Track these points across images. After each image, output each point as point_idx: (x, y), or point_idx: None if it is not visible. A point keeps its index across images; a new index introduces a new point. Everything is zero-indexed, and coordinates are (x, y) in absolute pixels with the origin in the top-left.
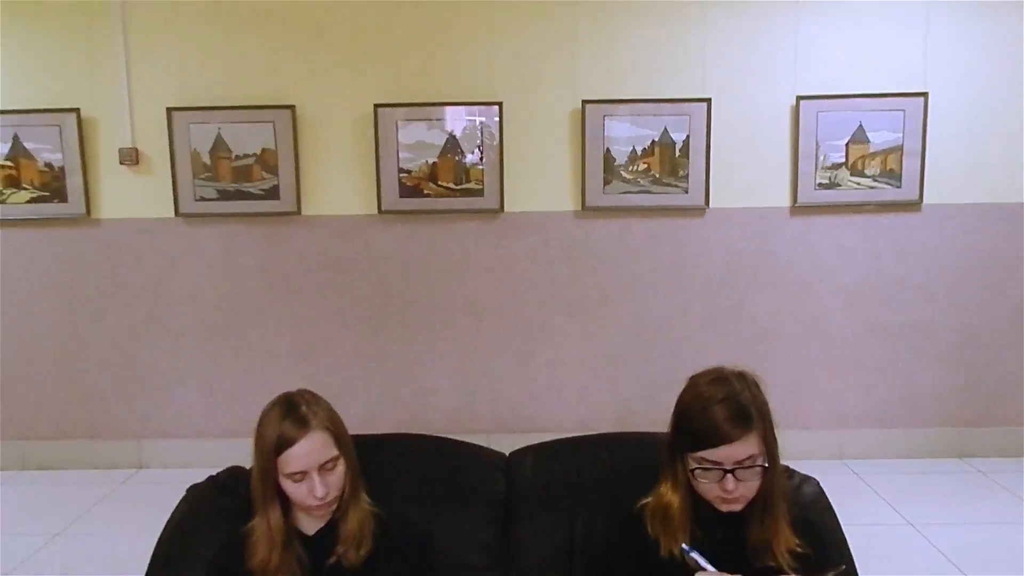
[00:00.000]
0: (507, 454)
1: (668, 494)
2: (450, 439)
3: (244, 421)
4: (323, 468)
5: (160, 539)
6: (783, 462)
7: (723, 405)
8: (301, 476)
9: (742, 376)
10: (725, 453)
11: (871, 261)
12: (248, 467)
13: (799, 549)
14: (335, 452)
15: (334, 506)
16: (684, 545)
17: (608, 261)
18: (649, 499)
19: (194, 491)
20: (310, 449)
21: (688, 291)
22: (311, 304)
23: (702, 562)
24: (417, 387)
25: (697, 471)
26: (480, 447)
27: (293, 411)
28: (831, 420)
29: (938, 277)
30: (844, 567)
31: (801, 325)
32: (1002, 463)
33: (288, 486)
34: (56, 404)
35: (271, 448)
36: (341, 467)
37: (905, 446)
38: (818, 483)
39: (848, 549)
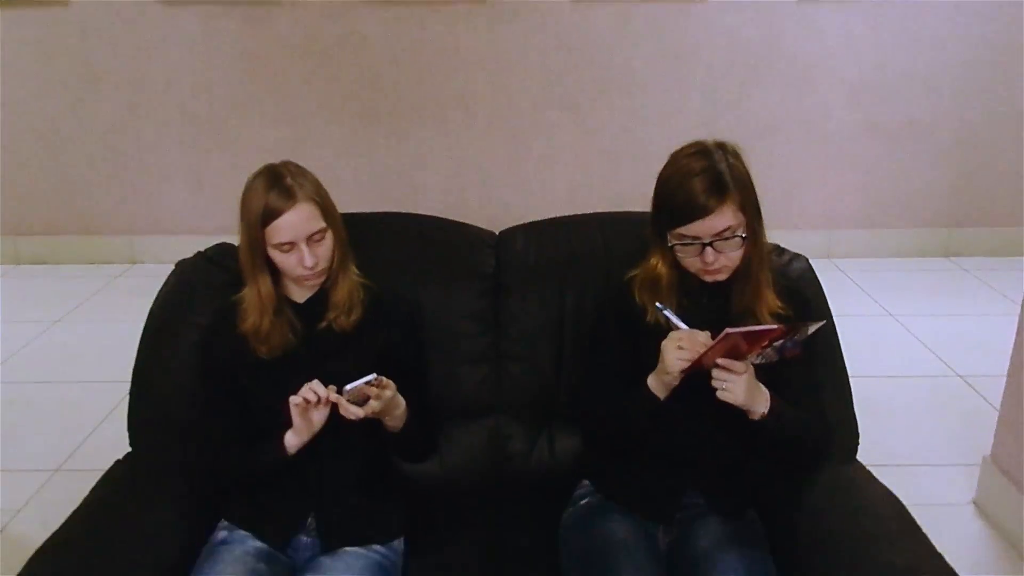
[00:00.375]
0: (497, 233)
1: (656, 266)
2: (440, 218)
3: (234, 217)
4: (311, 239)
5: (152, 310)
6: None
7: (701, 177)
8: (289, 247)
9: (722, 146)
10: (701, 227)
11: (877, 53)
12: (236, 243)
13: (782, 312)
14: (322, 224)
15: (323, 277)
16: (658, 304)
17: (605, 51)
18: (638, 271)
19: (183, 265)
20: (297, 220)
21: (686, 84)
22: (297, 96)
23: (675, 320)
24: (408, 185)
25: (677, 247)
26: (470, 225)
27: (278, 182)
28: (822, 220)
29: (944, 71)
30: (826, 322)
31: (800, 122)
32: (989, 262)
33: (277, 256)
34: (44, 199)
35: (257, 219)
36: (329, 239)
37: (895, 246)
38: (807, 260)
39: (832, 318)
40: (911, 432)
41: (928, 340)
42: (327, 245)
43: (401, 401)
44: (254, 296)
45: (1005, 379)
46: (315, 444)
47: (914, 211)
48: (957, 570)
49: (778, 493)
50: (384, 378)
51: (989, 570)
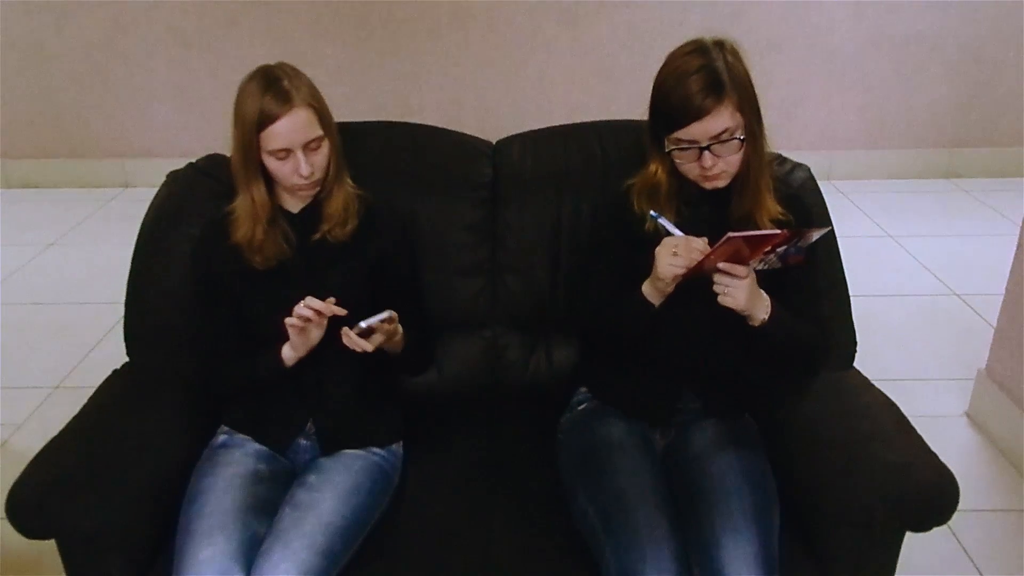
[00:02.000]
0: (494, 142)
1: (654, 173)
2: (434, 127)
3: (226, 139)
4: (307, 147)
5: (144, 222)
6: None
7: (697, 76)
8: (285, 154)
9: (720, 44)
10: (698, 129)
11: None
12: (228, 155)
13: (782, 218)
14: (319, 132)
15: (318, 187)
16: (652, 212)
17: None
18: (636, 179)
19: (175, 176)
20: (294, 126)
21: None
22: (289, 13)
23: (670, 228)
24: (402, 104)
25: (675, 152)
26: (466, 135)
27: (274, 84)
28: (823, 141)
29: None
30: (830, 228)
31: (803, 37)
32: (991, 183)
33: (271, 163)
34: (32, 122)
35: (252, 124)
36: (326, 147)
37: (895, 167)
38: (809, 169)
39: (832, 226)
40: (907, 349)
41: (926, 260)
42: (323, 154)
43: (399, 329)
44: (247, 205)
45: (1003, 296)
46: (314, 351)
47: (916, 130)
48: None
49: (774, 397)
50: (395, 314)
51: (980, 477)
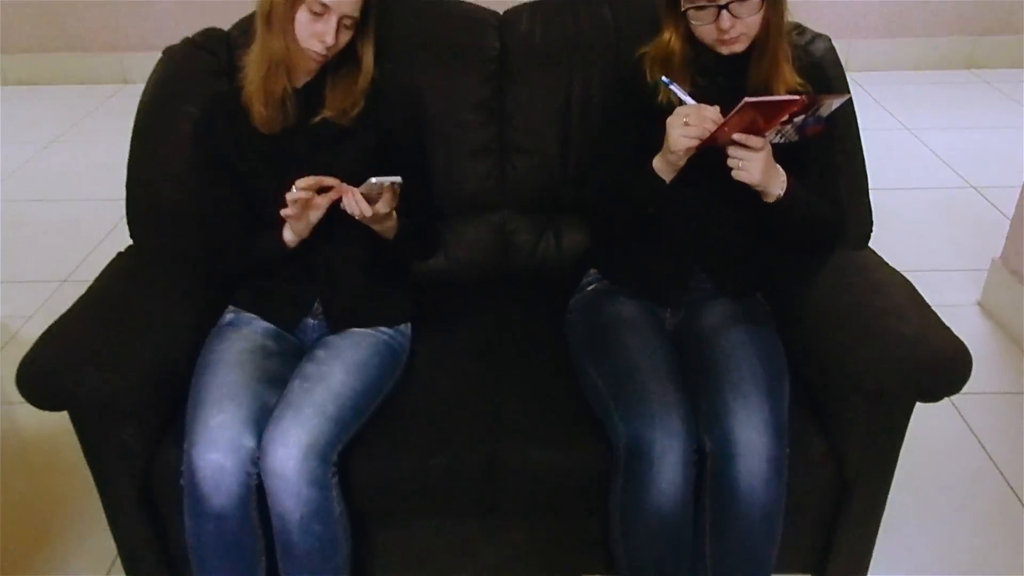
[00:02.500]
0: (501, 12)
1: (668, 41)
2: None
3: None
4: (342, 21)
5: (141, 101)
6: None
7: None
8: (323, 9)
9: None
10: None
11: None
12: (224, 28)
13: (801, 88)
14: (357, 15)
15: (322, 63)
16: (663, 78)
17: None
18: (649, 47)
19: (171, 52)
20: None
21: None
22: None
23: (681, 95)
24: None
25: (691, 12)
26: (471, 4)
27: None
28: (840, 30)
29: None
30: (849, 96)
31: None
32: (1012, 74)
33: (302, 17)
34: (29, 15)
35: None
36: (349, 36)
37: (915, 57)
38: (830, 40)
39: (851, 96)
40: (921, 241)
41: (943, 153)
42: (348, 36)
43: (393, 214)
44: (265, 51)
45: (1021, 187)
46: (321, 229)
47: (936, 18)
48: None
49: (787, 275)
50: (401, 181)
51: (989, 361)
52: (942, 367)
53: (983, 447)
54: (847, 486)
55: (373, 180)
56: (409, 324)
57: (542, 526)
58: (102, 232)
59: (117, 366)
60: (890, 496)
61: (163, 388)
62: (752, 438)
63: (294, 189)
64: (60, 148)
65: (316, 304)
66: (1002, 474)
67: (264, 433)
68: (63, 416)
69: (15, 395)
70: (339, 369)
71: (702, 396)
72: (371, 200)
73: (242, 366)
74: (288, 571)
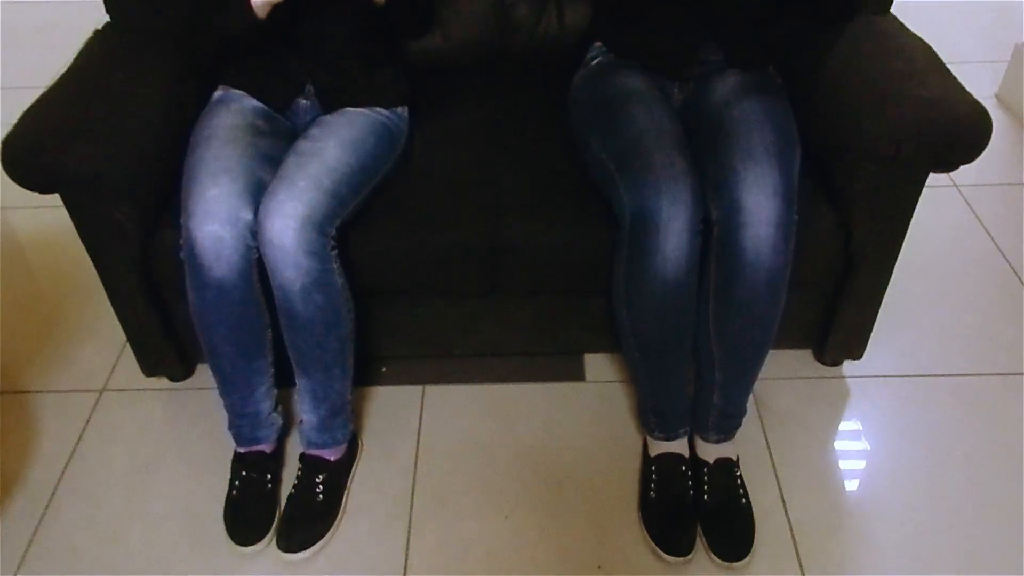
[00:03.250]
0: None
1: None
2: None
3: None
4: None
5: None
6: None
7: None
8: None
9: None
10: None
11: None
12: None
13: None
14: None
15: None
16: None
17: None
18: None
19: None
20: None
21: None
22: None
23: None
24: None
25: None
26: None
27: None
28: None
29: None
30: None
31: None
32: None
33: None
34: None
35: None
36: None
37: None
38: None
39: None
40: (938, 32)
41: None
42: None
43: None
44: None
45: None
46: (309, 5)
47: None
48: None
49: (802, 45)
50: None
51: (1002, 153)
52: (962, 131)
53: (989, 235)
54: (853, 260)
55: None
56: (407, 109)
57: (546, 306)
58: (86, 32)
59: (105, 139)
60: (893, 279)
61: (153, 164)
62: (760, 203)
63: None
64: None
65: (308, 87)
66: (1007, 260)
67: (260, 207)
68: (60, 218)
69: (9, 200)
70: (334, 145)
71: (710, 164)
72: None
73: (235, 142)
74: (293, 341)
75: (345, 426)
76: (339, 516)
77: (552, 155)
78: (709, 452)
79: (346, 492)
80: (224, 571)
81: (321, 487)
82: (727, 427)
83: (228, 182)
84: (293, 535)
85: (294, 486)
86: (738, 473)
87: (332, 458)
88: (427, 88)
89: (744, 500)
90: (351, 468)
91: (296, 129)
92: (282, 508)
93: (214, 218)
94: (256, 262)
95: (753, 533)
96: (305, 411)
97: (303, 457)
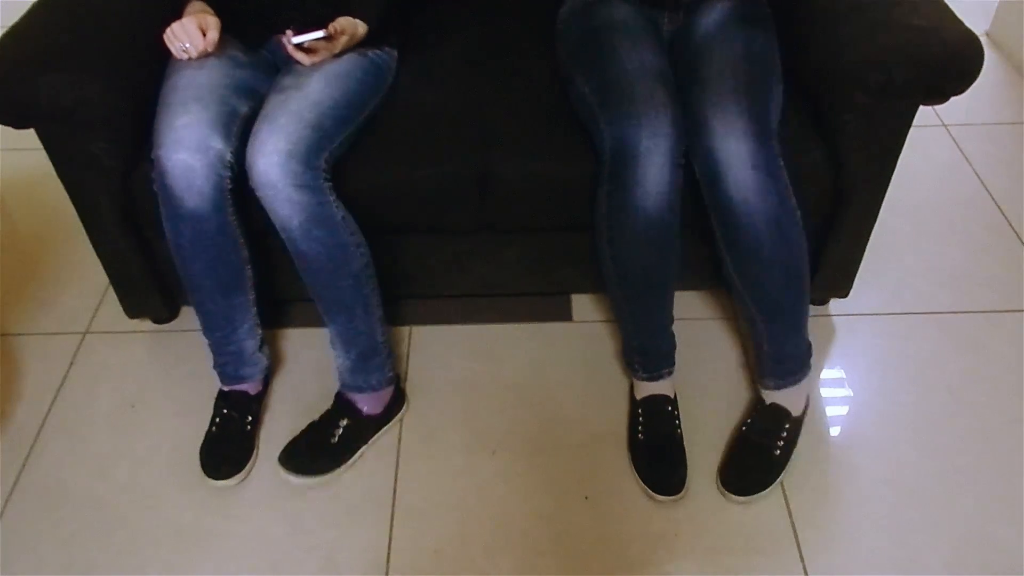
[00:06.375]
0: None
1: None
2: None
3: None
4: None
5: None
6: None
7: None
8: None
9: None
10: None
11: None
12: None
13: None
14: None
15: None
16: None
17: None
18: None
19: None
20: None
21: None
22: None
23: None
24: None
25: None
26: None
27: None
28: None
29: None
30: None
31: None
32: None
33: None
34: None
35: None
36: None
37: None
38: None
39: None
40: None
41: None
42: None
43: (356, 25)
44: None
45: None
46: None
47: None
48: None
49: None
50: (338, 26)
51: (991, 92)
52: (953, 58)
53: (977, 174)
54: (842, 196)
55: (295, 40)
56: (396, 50)
57: (534, 244)
58: None
59: (79, 69)
60: (880, 218)
61: (131, 95)
62: (731, 147)
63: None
64: None
65: (288, 31)
66: (993, 199)
67: (247, 149)
68: (40, 160)
69: None
70: (317, 79)
71: (688, 112)
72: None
73: (208, 70)
74: (310, 284)
75: (380, 370)
76: (346, 464)
77: (540, 87)
78: (767, 398)
79: (366, 446)
80: (210, 505)
81: (340, 431)
82: (780, 372)
83: (199, 110)
84: (293, 458)
85: (320, 416)
86: (787, 425)
87: (364, 408)
88: (411, 26)
89: (777, 452)
90: (382, 426)
91: (277, 62)
92: (259, 449)
93: (184, 146)
94: (231, 194)
95: (768, 482)
96: (339, 356)
97: (337, 394)
